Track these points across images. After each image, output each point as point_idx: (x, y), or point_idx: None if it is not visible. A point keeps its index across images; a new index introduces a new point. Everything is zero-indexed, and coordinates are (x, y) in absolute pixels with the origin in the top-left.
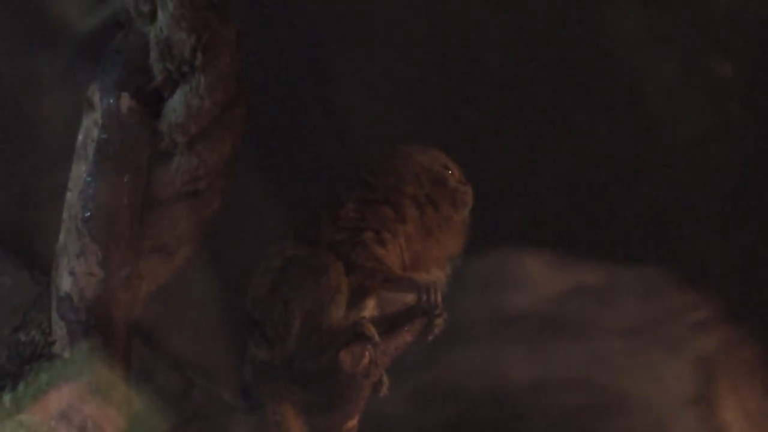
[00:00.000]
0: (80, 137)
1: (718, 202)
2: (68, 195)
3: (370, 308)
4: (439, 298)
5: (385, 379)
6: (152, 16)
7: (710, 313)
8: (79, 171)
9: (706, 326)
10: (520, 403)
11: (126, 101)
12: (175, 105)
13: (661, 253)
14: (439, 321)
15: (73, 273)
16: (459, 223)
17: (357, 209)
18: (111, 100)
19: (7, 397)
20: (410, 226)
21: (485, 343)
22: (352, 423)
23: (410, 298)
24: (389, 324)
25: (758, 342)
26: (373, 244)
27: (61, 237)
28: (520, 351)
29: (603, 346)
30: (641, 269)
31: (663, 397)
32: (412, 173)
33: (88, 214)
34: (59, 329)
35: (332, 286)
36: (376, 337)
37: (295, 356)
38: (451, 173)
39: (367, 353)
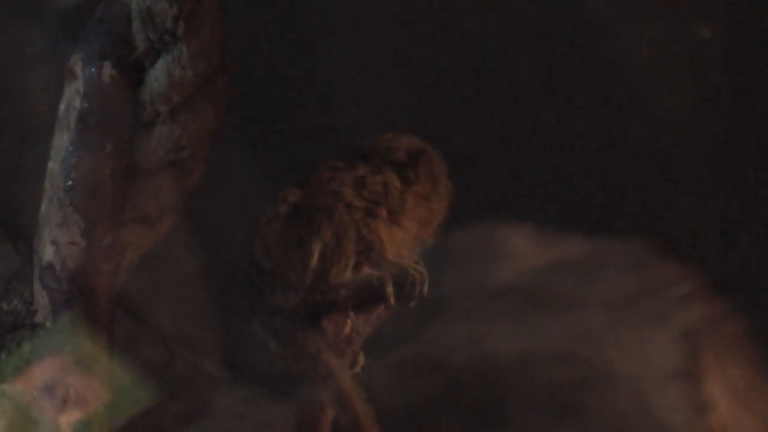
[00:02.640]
0: (62, 107)
1: (701, 173)
2: (50, 165)
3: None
4: (425, 290)
5: (361, 357)
6: None
7: (695, 286)
8: (61, 141)
9: (690, 300)
10: (505, 377)
11: (108, 71)
12: (158, 74)
13: (646, 227)
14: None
15: (55, 242)
16: (443, 205)
17: (383, 185)
18: (93, 70)
19: None
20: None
21: (469, 317)
22: None
23: None
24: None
25: (743, 315)
26: (383, 221)
27: (43, 207)
28: (505, 324)
29: (587, 320)
30: (626, 242)
31: (647, 371)
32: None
33: (70, 183)
34: (41, 298)
35: (346, 223)
36: (392, 299)
37: (309, 297)
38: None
39: (349, 321)
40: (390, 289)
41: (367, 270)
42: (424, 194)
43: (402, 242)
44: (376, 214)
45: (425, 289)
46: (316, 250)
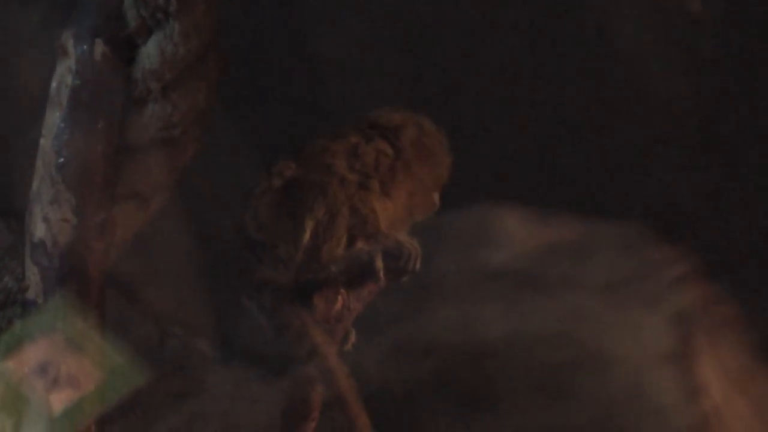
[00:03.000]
0: (54, 84)
1: (693, 151)
2: (42, 142)
3: None
4: (418, 265)
5: (352, 335)
6: None
7: (688, 269)
8: (53, 118)
9: (683, 282)
10: (498, 359)
11: (100, 48)
12: (149, 52)
13: (639, 209)
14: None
15: (47, 219)
16: (438, 183)
17: (375, 155)
18: (85, 47)
19: None
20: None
21: (462, 299)
22: None
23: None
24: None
25: (735, 298)
26: (375, 193)
27: (35, 184)
28: (497, 307)
29: (580, 302)
30: (618, 225)
31: (640, 353)
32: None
33: (62, 160)
34: (33, 275)
35: (339, 200)
36: (381, 274)
37: (300, 273)
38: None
39: (340, 298)
40: (379, 264)
41: (361, 244)
42: (415, 164)
43: (394, 214)
44: (369, 187)
45: (418, 265)
46: (309, 227)
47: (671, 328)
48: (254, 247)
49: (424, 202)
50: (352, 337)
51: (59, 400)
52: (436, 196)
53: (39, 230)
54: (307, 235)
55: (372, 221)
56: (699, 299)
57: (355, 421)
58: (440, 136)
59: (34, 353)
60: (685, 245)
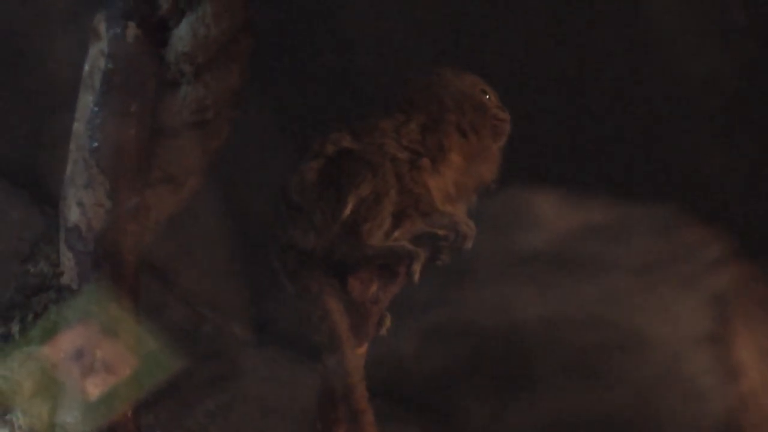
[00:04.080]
0: (86, 67)
1: (728, 128)
2: (75, 126)
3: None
4: (469, 244)
5: (387, 320)
6: None
7: (724, 250)
8: (86, 101)
9: (719, 264)
10: (532, 341)
11: (132, 30)
12: (182, 34)
13: (674, 190)
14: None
15: (81, 204)
16: (496, 152)
17: (420, 131)
18: (117, 30)
19: (16, 328)
20: (456, 155)
21: (497, 281)
22: (362, 349)
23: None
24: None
25: None
26: (427, 171)
27: (69, 168)
28: (533, 289)
29: (615, 284)
30: (654, 206)
31: (676, 335)
32: (453, 100)
33: (96, 144)
34: (67, 260)
35: (389, 183)
36: (417, 278)
37: (337, 246)
38: (490, 99)
39: (375, 280)
40: (417, 267)
41: (418, 223)
42: (458, 126)
43: (452, 192)
44: (421, 165)
45: (470, 245)
46: (351, 202)
47: (707, 310)
48: (291, 208)
49: (484, 173)
50: (387, 322)
51: (95, 386)
52: (494, 168)
53: (73, 215)
54: (348, 210)
55: (426, 200)
56: (735, 281)
57: (359, 416)
58: (478, 82)
59: (69, 339)
60: (720, 226)
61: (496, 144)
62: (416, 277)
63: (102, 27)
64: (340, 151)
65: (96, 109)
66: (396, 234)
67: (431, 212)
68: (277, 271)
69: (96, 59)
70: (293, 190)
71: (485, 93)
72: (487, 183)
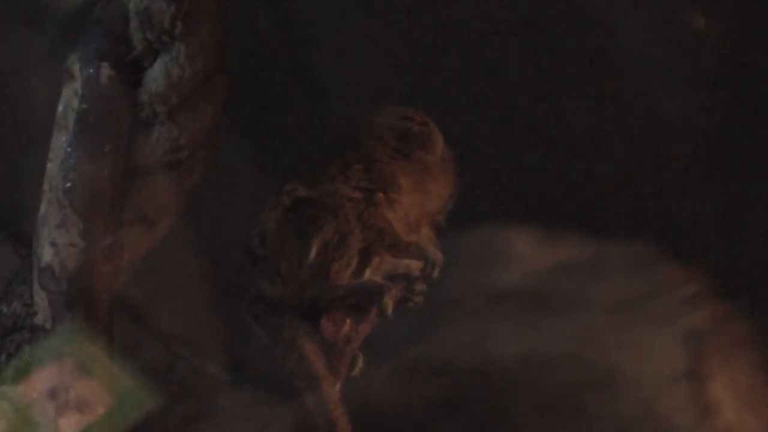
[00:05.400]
0: (60, 108)
1: (701, 168)
2: (49, 166)
3: (367, 275)
4: (437, 272)
5: (360, 360)
6: None
7: (699, 288)
8: (60, 142)
9: (695, 301)
10: (509, 380)
11: (106, 71)
12: (156, 74)
13: (649, 228)
14: (420, 287)
15: (54, 244)
16: (439, 165)
17: (365, 169)
18: (91, 70)
19: None
20: (403, 179)
21: (473, 320)
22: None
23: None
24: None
25: (747, 317)
26: (383, 205)
27: (42, 208)
28: (508, 327)
29: (591, 322)
30: (629, 244)
31: (652, 373)
32: (376, 136)
33: (69, 184)
34: (41, 300)
35: (351, 221)
36: (390, 312)
37: (307, 290)
38: (411, 120)
39: (348, 320)
40: (389, 300)
41: (386, 258)
42: (411, 156)
43: (412, 218)
44: (376, 201)
45: (436, 273)
46: (315, 246)
47: (683, 348)
48: (256, 261)
49: (437, 190)
50: (360, 363)
51: (69, 425)
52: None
53: (46, 255)
54: (312, 254)
55: (389, 233)
56: (710, 318)
57: None
58: (398, 110)
59: (43, 378)
60: (695, 264)
61: (432, 156)
62: (389, 311)
63: (76, 67)
64: (296, 201)
65: (69, 149)
66: (367, 273)
67: (397, 243)
68: (249, 323)
69: (70, 100)
70: (256, 243)
71: (406, 117)
72: (445, 198)
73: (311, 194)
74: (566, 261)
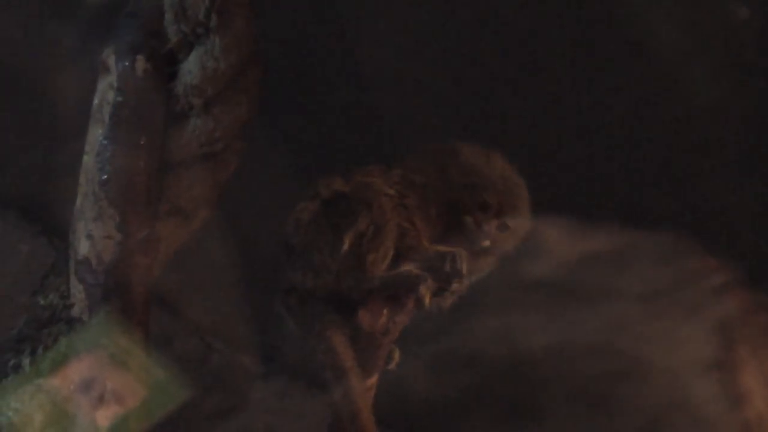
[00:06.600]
0: (96, 101)
1: (735, 160)
2: (85, 159)
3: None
4: (464, 268)
5: (396, 354)
6: None
7: (729, 277)
8: (95, 134)
9: (724, 291)
10: (538, 370)
11: (141, 64)
12: (191, 67)
13: (679, 218)
14: (455, 285)
15: (91, 236)
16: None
17: (400, 178)
18: (126, 63)
19: (26, 361)
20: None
21: (503, 311)
22: (372, 381)
23: None
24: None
25: None
26: (414, 209)
27: (78, 201)
28: (538, 318)
29: (621, 312)
30: (659, 234)
31: (682, 363)
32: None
33: (105, 177)
34: (78, 292)
35: (386, 214)
36: (427, 302)
37: (342, 281)
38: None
39: (385, 311)
40: (426, 290)
41: (405, 261)
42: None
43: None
44: (407, 204)
45: (464, 267)
46: (348, 239)
47: (713, 338)
48: (290, 251)
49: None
50: (396, 357)
51: (105, 417)
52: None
53: (83, 247)
54: (345, 247)
55: (412, 234)
56: (740, 308)
57: None
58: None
59: (79, 370)
60: (725, 254)
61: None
62: (426, 300)
63: (111, 60)
64: (334, 194)
65: (105, 142)
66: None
67: (416, 246)
68: (282, 314)
69: (105, 92)
70: (291, 233)
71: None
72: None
73: (347, 188)
74: (596, 251)
